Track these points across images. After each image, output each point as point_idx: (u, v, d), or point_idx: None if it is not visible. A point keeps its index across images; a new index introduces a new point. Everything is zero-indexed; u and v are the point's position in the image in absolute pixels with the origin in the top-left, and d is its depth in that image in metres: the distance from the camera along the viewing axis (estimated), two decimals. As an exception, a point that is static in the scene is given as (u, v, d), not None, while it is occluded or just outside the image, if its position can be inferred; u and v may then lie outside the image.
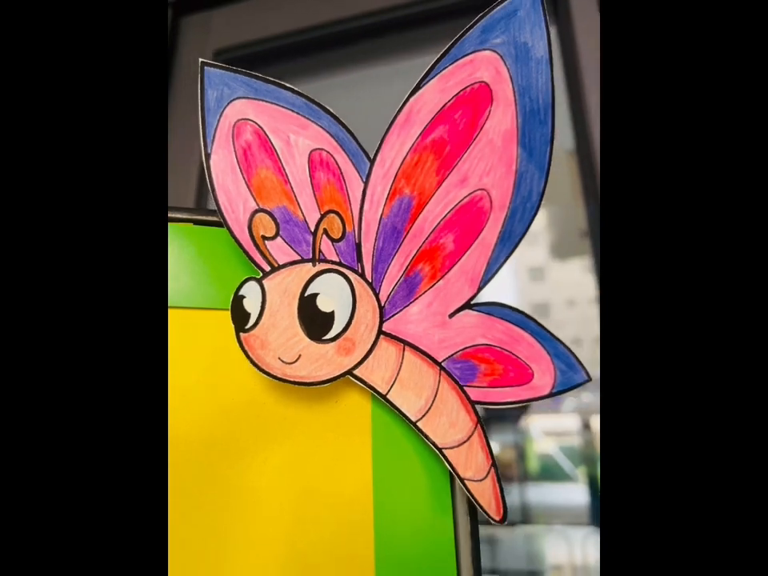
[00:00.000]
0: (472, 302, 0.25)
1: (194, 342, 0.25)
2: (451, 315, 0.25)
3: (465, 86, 0.25)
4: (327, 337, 0.24)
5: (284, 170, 0.25)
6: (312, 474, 0.24)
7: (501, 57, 0.25)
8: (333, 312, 0.24)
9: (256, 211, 0.25)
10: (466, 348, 0.25)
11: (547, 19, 0.25)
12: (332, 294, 0.24)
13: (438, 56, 0.25)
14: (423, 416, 0.24)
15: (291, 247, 0.25)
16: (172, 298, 0.25)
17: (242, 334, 0.23)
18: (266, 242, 0.24)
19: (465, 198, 0.25)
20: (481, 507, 0.24)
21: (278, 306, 0.24)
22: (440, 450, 0.24)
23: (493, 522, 0.24)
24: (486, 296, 0.26)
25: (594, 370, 0.25)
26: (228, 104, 0.25)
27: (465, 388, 0.25)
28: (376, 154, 0.25)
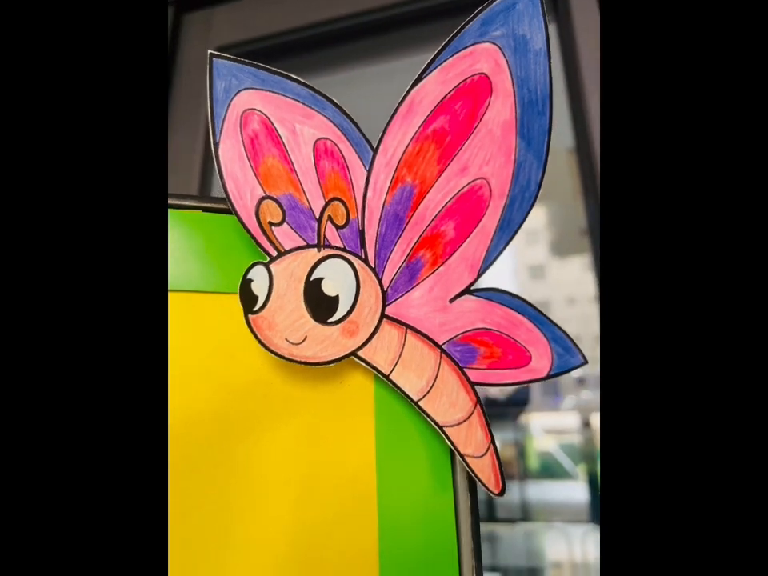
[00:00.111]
0: (472, 288, 0.26)
1: (203, 324, 0.25)
2: (452, 300, 0.26)
3: (465, 78, 0.26)
4: (332, 319, 0.25)
5: (290, 158, 0.26)
6: (317, 450, 0.25)
7: (500, 49, 0.26)
8: (337, 296, 0.25)
9: (263, 198, 0.25)
10: (466, 332, 0.26)
11: (545, 12, 0.26)
12: (336, 279, 0.25)
13: (439, 48, 0.26)
14: (424, 396, 0.25)
15: (297, 233, 0.25)
16: (181, 283, 0.26)
17: (250, 315, 0.24)
18: (273, 227, 0.25)
19: (465, 186, 0.26)
20: (481, 482, 0.25)
21: (284, 289, 0.24)
22: (441, 428, 0.25)
23: (492, 495, 0.24)
24: (485, 282, 0.27)
25: (594, 368, 0.25)
26: (236, 94, 0.26)
27: (465, 370, 0.26)
28: (379, 144, 0.26)
